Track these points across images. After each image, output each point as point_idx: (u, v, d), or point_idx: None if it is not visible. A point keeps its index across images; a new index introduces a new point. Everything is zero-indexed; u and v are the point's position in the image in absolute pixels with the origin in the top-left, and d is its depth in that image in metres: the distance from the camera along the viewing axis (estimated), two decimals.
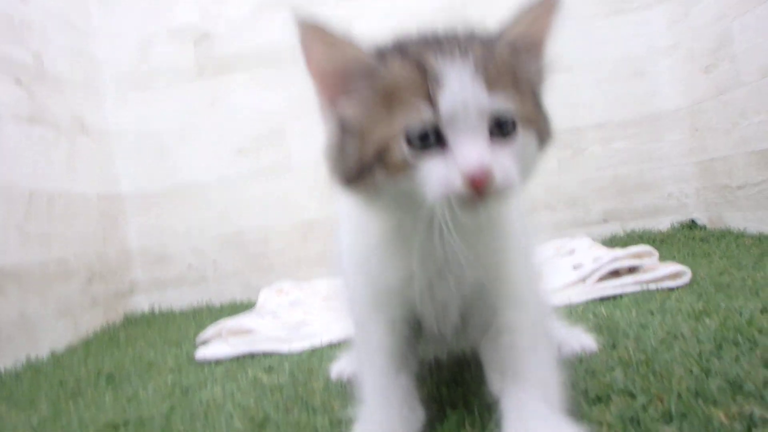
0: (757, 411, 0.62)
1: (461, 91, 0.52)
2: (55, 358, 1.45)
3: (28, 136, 1.63)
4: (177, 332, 1.63)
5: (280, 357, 1.17)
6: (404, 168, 0.54)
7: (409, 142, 0.53)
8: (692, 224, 2.09)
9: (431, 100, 0.53)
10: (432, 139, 0.53)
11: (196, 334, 1.57)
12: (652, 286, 1.27)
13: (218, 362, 1.20)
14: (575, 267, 1.38)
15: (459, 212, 0.53)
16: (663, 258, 1.65)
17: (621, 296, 1.26)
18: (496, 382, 0.64)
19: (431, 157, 0.53)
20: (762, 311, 0.97)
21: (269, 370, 1.08)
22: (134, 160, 2.13)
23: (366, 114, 0.56)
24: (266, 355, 1.21)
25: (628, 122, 2.15)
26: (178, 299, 2.10)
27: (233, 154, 2.16)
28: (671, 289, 1.25)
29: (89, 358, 1.39)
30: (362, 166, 0.56)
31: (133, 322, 1.91)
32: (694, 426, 0.61)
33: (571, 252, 1.67)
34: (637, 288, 1.27)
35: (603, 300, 1.27)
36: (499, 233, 0.63)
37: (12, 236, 1.47)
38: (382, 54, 0.58)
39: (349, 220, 0.68)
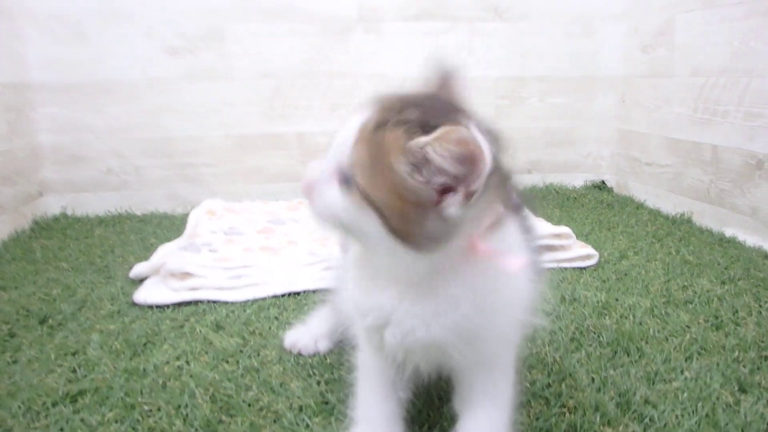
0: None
1: (343, 129, 0.60)
2: None
3: None
4: (101, 251, 1.58)
5: (225, 310, 1.19)
6: None
7: None
8: (602, 185, 2.31)
9: None
10: None
11: (122, 254, 1.55)
12: (565, 265, 1.44)
13: (160, 309, 1.21)
14: None
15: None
16: (574, 220, 1.84)
17: None
18: (456, 405, 0.74)
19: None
20: (650, 312, 1.17)
21: (218, 328, 1.12)
22: (46, 43, 1.87)
23: None
24: (210, 304, 1.23)
25: (569, 80, 2.23)
26: (95, 204, 1.99)
27: (164, 52, 1.96)
28: (581, 269, 1.43)
29: (9, 284, 1.33)
30: None
31: (45, 229, 1.80)
32: None
33: None
34: (553, 265, 1.43)
35: None
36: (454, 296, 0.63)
37: None
38: None
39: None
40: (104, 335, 1.08)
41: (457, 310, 0.63)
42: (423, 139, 0.54)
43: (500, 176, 0.59)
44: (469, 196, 0.55)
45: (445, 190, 0.55)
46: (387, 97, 0.60)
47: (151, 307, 1.21)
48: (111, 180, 2.00)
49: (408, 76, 2.07)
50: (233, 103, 2.04)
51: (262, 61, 2.02)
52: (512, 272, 0.61)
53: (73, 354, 1.01)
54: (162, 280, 1.29)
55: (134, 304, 1.22)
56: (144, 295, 1.23)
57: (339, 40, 2.06)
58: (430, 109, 0.58)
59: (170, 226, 1.82)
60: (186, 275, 1.29)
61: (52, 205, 1.96)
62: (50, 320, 1.14)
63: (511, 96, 2.21)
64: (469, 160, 0.53)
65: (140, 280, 1.35)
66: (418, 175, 0.55)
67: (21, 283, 1.34)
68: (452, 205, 0.55)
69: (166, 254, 1.39)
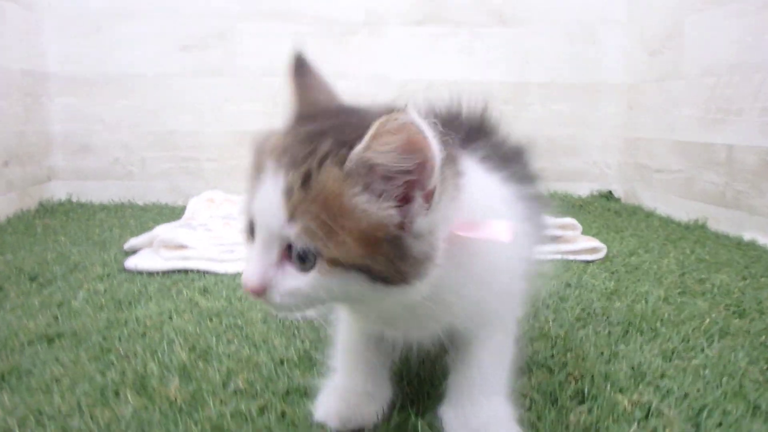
0: (655, 401, 0.71)
1: (262, 205, 0.50)
2: None
3: None
4: (99, 230, 1.57)
5: (214, 278, 1.17)
6: None
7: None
8: (609, 195, 2.25)
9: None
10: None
11: (120, 234, 1.53)
12: (570, 257, 1.38)
13: (149, 274, 1.18)
14: None
15: None
16: (580, 223, 1.78)
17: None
18: (450, 360, 0.68)
19: (251, 246, 0.52)
20: (664, 300, 1.10)
21: (205, 292, 1.09)
22: (65, 37, 1.94)
23: None
24: (199, 273, 1.20)
25: (572, 86, 2.21)
26: (100, 193, 2.01)
27: (174, 50, 2.01)
28: (587, 262, 1.37)
29: (6, 250, 1.31)
30: None
31: (49, 211, 1.81)
32: (603, 409, 0.69)
33: None
34: (557, 257, 1.37)
35: None
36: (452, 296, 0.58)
37: None
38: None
39: None
40: (91, 293, 1.06)
41: (465, 296, 0.58)
42: (359, 147, 0.47)
43: (456, 166, 0.52)
44: (428, 197, 0.48)
45: (405, 202, 0.49)
46: (277, 149, 0.52)
47: (141, 273, 1.19)
48: (117, 170, 2.03)
49: (409, 78, 2.10)
50: (237, 100, 2.06)
51: (266, 59, 2.05)
52: (506, 240, 0.53)
53: (58, 306, 0.99)
54: (155, 250, 1.26)
55: (125, 270, 1.20)
56: (135, 261, 1.21)
57: (343, 41, 2.09)
58: (336, 128, 0.51)
59: (170, 214, 1.82)
60: (179, 247, 1.26)
61: (58, 190, 1.98)
62: (40, 278, 1.13)
63: (514, 101, 2.19)
64: (413, 147, 0.46)
65: (133, 252, 1.32)
66: (373, 195, 0.48)
67: (18, 249, 1.33)
68: (417, 214, 0.49)
69: (160, 227, 1.37)
